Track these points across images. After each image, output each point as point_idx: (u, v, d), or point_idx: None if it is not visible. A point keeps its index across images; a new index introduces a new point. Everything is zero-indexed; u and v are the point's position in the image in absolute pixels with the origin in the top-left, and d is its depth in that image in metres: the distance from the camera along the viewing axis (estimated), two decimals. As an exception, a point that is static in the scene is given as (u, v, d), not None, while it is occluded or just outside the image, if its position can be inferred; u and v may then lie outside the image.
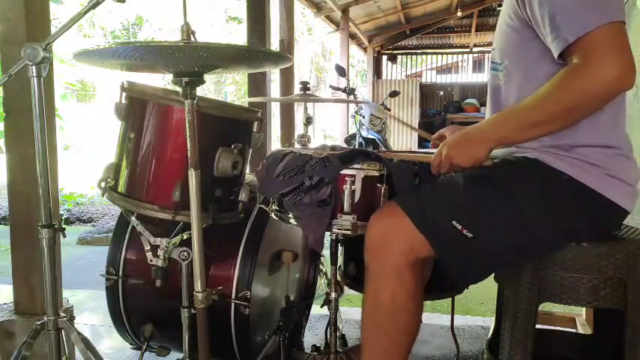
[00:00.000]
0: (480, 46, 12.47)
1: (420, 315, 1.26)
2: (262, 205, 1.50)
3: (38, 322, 1.36)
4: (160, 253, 1.39)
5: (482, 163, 1.20)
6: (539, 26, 1.14)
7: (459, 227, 1.17)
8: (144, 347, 1.63)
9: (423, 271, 1.31)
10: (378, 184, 1.32)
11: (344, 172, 1.32)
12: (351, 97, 5.66)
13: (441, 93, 12.23)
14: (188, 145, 1.22)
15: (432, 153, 1.26)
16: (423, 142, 11.65)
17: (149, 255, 1.40)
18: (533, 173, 1.21)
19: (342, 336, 2.04)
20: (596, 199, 1.17)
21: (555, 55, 1.12)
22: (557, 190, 1.19)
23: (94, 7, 1.25)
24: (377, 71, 12.32)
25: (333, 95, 7.76)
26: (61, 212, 4.72)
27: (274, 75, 5.28)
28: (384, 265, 1.21)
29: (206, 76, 1.30)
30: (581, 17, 1.07)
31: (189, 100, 1.22)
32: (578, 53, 1.08)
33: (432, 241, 1.19)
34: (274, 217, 1.46)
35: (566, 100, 1.10)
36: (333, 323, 1.49)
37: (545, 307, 1.36)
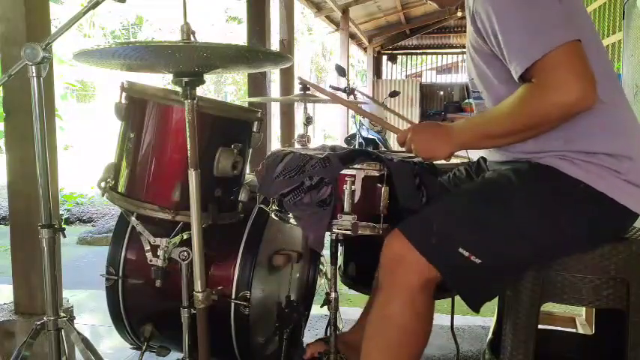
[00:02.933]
0: (480, 46, 12.45)
1: (428, 335, 1.26)
2: (262, 205, 1.50)
3: (38, 322, 1.36)
4: (160, 253, 1.38)
5: (438, 160, 1.26)
6: (502, 56, 1.16)
7: (467, 254, 1.16)
8: (144, 347, 1.63)
9: None
10: (379, 184, 1.32)
11: (344, 172, 1.31)
12: (351, 97, 5.65)
13: (441, 93, 12.24)
14: (188, 145, 1.22)
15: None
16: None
17: (149, 255, 1.40)
18: (546, 184, 1.19)
19: (342, 336, 2.04)
20: (612, 206, 1.16)
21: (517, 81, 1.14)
22: (571, 200, 1.17)
23: (94, 7, 1.25)
24: (377, 71, 12.32)
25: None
26: (61, 212, 4.72)
27: (274, 75, 5.28)
28: (396, 283, 1.21)
29: (206, 76, 1.30)
30: (527, 46, 1.08)
31: (189, 100, 1.22)
32: (535, 77, 1.09)
33: (442, 271, 1.18)
34: (274, 217, 1.46)
35: (524, 120, 1.13)
36: (333, 323, 1.48)
37: (545, 307, 1.36)
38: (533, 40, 1.07)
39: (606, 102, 1.16)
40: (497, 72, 1.22)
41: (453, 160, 1.57)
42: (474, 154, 1.55)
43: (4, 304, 2.00)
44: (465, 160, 1.63)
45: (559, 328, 2.04)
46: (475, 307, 1.22)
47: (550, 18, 1.09)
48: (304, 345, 1.68)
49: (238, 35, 14.07)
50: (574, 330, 2.15)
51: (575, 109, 1.07)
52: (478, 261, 1.16)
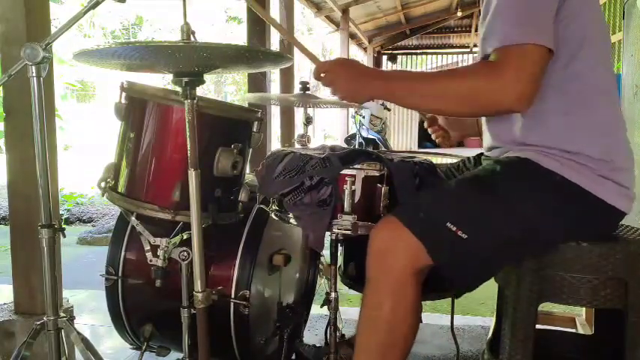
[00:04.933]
0: (480, 46, 12.46)
1: (417, 327, 1.25)
2: (262, 205, 1.50)
3: (38, 322, 1.36)
4: (160, 253, 1.38)
5: (356, 102, 1.26)
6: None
7: (454, 229, 1.16)
8: (144, 347, 1.63)
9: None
10: (379, 184, 1.32)
11: (344, 172, 1.32)
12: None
13: (441, 93, 12.22)
14: (188, 145, 1.22)
15: (433, 153, 1.27)
16: (423, 143, 11.64)
17: (149, 255, 1.40)
18: (524, 172, 1.21)
19: (342, 336, 2.04)
20: (589, 200, 1.17)
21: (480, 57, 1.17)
22: (548, 188, 1.19)
23: (94, 7, 1.25)
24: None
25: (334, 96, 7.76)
26: (61, 212, 4.72)
27: (274, 75, 5.28)
28: (385, 278, 1.20)
29: (206, 76, 1.30)
30: (509, 30, 1.10)
31: (189, 100, 1.22)
32: (494, 58, 1.11)
33: (428, 245, 1.17)
34: (274, 217, 1.46)
35: (462, 95, 1.15)
36: (333, 323, 1.49)
37: (545, 307, 1.36)
38: (516, 29, 1.09)
39: (589, 103, 1.18)
40: None
41: (447, 160, 1.58)
42: (468, 153, 1.57)
43: (4, 304, 2.00)
44: (458, 160, 1.64)
45: (559, 329, 2.04)
46: (460, 293, 1.22)
47: (536, 16, 1.11)
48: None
49: (238, 35, 14.07)
50: (574, 330, 2.15)
51: (504, 107, 1.11)
52: (465, 236, 1.16)
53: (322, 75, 1.28)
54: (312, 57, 1.36)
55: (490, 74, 1.11)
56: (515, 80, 1.08)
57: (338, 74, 1.24)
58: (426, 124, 1.66)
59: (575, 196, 1.18)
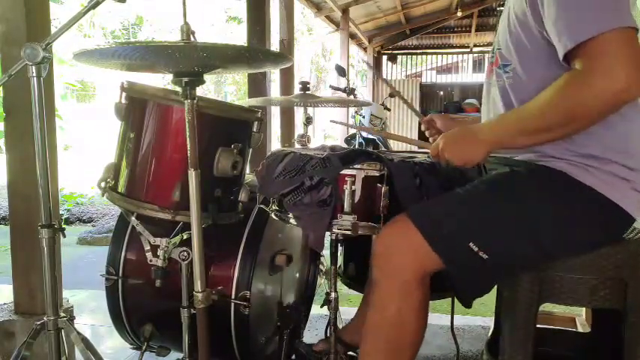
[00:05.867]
0: (479, 46, 12.46)
1: (424, 331, 1.25)
2: (262, 205, 1.50)
3: (38, 322, 1.36)
4: (160, 253, 1.38)
5: (476, 164, 1.20)
6: (548, 29, 1.09)
7: (476, 249, 1.15)
8: (144, 347, 1.63)
9: None
10: (379, 184, 1.32)
11: (344, 172, 1.32)
12: (351, 98, 5.66)
13: (441, 93, 12.21)
14: (188, 145, 1.22)
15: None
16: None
17: (149, 255, 1.40)
18: (560, 189, 1.18)
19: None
20: (618, 214, 1.15)
21: (560, 59, 1.08)
22: (581, 206, 1.16)
23: (94, 7, 1.25)
24: (377, 71, 12.30)
25: (333, 95, 7.77)
26: (61, 212, 4.72)
27: (274, 75, 5.28)
28: (392, 280, 1.20)
29: (206, 76, 1.30)
30: (583, 21, 1.02)
31: (189, 100, 1.22)
32: (581, 59, 1.03)
33: (447, 262, 1.17)
34: (274, 217, 1.46)
35: (567, 110, 1.06)
36: (333, 323, 1.49)
37: (546, 307, 1.36)
38: (590, 18, 1.02)
39: (623, 112, 1.12)
40: (536, 46, 1.17)
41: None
42: None
43: (4, 304, 2.00)
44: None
45: (559, 328, 2.04)
46: (468, 303, 1.22)
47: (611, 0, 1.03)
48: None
49: (238, 35, 14.07)
50: (574, 330, 2.15)
51: (623, 98, 1.01)
52: (485, 257, 1.15)
53: (437, 157, 1.24)
54: (423, 145, 1.36)
55: (587, 79, 1.02)
56: (617, 69, 0.98)
57: (447, 149, 1.19)
58: (423, 127, 1.61)
59: (607, 212, 1.15)
